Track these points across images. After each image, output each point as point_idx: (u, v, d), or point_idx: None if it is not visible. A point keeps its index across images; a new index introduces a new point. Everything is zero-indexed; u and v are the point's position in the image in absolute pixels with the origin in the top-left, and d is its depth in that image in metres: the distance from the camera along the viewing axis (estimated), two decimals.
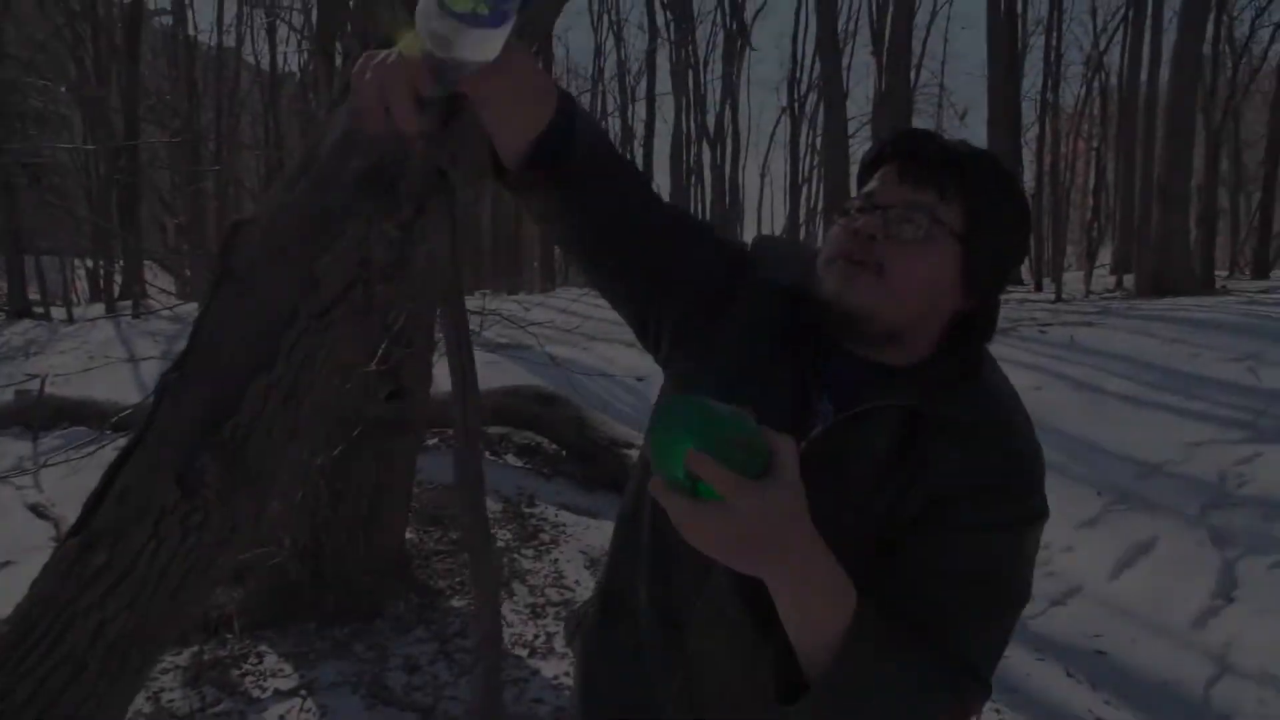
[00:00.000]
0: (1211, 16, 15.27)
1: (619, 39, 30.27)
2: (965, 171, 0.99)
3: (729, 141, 27.13)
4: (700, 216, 1.13)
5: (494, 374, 7.97)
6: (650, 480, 0.81)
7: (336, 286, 1.28)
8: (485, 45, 0.80)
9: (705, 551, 0.80)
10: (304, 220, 1.31)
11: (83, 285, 20.29)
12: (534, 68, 0.90)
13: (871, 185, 1.02)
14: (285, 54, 20.83)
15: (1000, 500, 0.96)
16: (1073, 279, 19.11)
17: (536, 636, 3.91)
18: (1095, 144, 21.64)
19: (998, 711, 3.15)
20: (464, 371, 1.13)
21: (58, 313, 15.30)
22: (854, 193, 1.05)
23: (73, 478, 4.52)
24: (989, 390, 1.02)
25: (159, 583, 1.21)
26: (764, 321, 1.05)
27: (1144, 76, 16.67)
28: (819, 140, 27.13)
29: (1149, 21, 15.92)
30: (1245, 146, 22.58)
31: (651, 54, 26.69)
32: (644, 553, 1.11)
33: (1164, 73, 14.92)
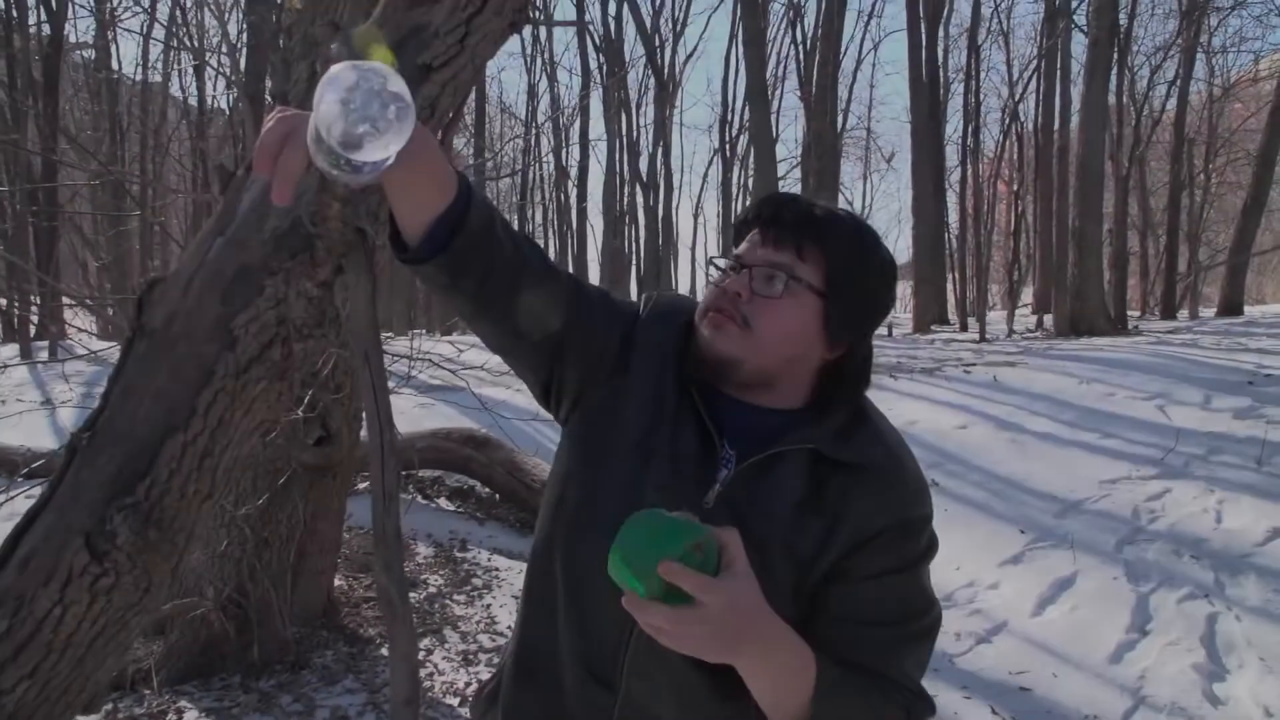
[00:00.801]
0: (1114, 71, 16.07)
1: (552, 80, 30.55)
2: (822, 232, 1.07)
3: (661, 182, 27.48)
4: (596, 285, 1.16)
5: (426, 416, 7.89)
6: (624, 599, 0.86)
7: (255, 345, 1.28)
8: (361, 179, 0.84)
9: (686, 652, 0.87)
10: (222, 278, 1.31)
11: None
12: (436, 162, 0.95)
13: (740, 248, 1.11)
14: (214, 97, 20.46)
15: (905, 538, 1.07)
16: (997, 318, 19.71)
17: (468, 684, 3.85)
18: (1015, 187, 22.47)
19: None
20: (382, 432, 1.14)
21: None
22: (720, 250, 1.16)
23: None
24: (880, 434, 1.11)
25: (65, 650, 1.18)
26: (661, 375, 1.11)
27: (1056, 125, 17.42)
28: (751, 181, 27.69)
29: (1059, 73, 16.69)
30: (1150, 192, 23.69)
31: (585, 97, 26.98)
32: (561, 608, 1.11)
33: (1075, 121, 15.65)
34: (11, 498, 4.03)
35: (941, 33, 22.60)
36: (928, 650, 1.10)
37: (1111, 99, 16.45)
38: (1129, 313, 17.52)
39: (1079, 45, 17.56)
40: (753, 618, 0.89)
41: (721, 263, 1.12)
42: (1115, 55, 15.91)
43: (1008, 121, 22.38)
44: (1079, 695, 3.55)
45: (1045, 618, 4.21)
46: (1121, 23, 16.27)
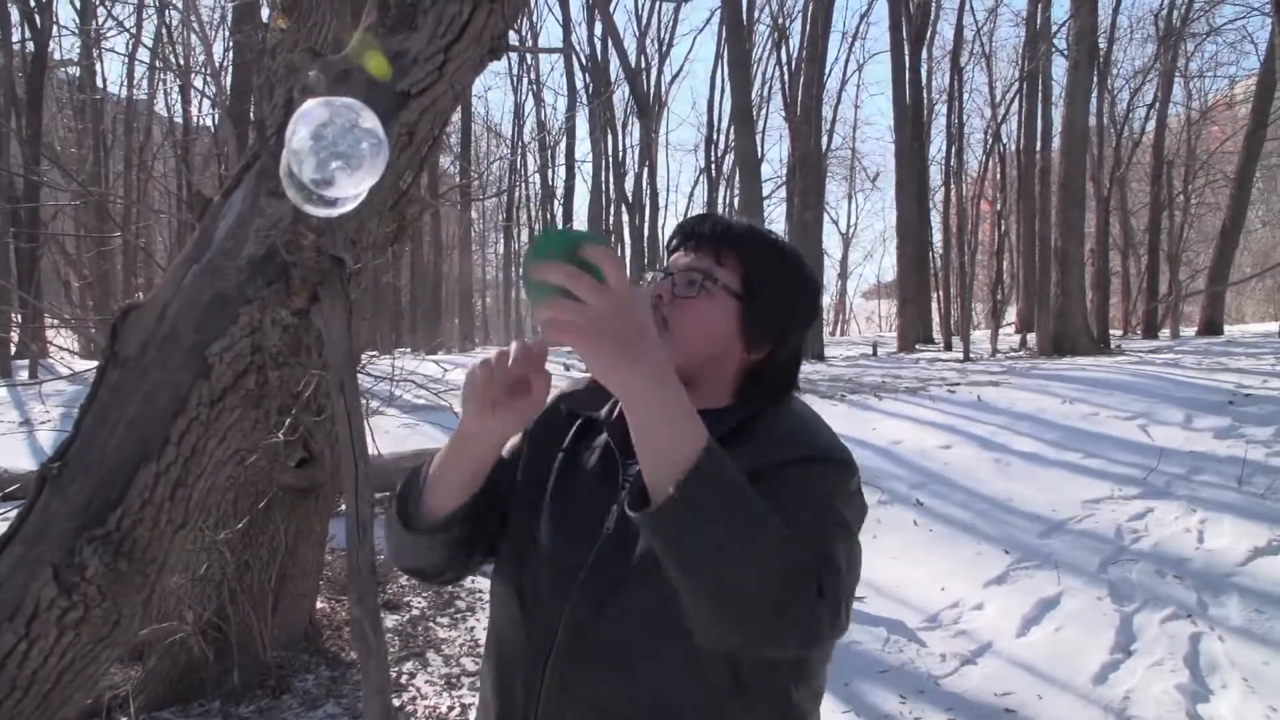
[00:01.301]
0: (1094, 94, 16.27)
1: (539, 100, 30.67)
2: (741, 241, 1.17)
3: (647, 201, 27.57)
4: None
5: (411, 436, 7.85)
6: (534, 311, 0.88)
7: (229, 373, 1.26)
8: (333, 212, 0.84)
9: (576, 346, 0.86)
10: (197, 305, 1.30)
11: None
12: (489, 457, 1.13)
13: (668, 259, 1.21)
14: (199, 116, 20.39)
15: (814, 465, 1.06)
16: (981, 338, 19.82)
17: (451, 709, 3.81)
18: (999, 207, 22.67)
19: None
20: (356, 463, 1.13)
21: None
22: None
23: None
24: (792, 411, 1.17)
25: (30, 686, 1.16)
26: (545, 450, 1.22)
27: (1039, 146, 17.60)
28: (737, 201, 27.82)
29: (1040, 95, 16.88)
30: (1131, 213, 23.94)
31: (571, 117, 27.11)
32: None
33: (1056, 143, 15.82)
34: None
35: (925, 54, 22.85)
36: (844, 556, 0.99)
37: (1092, 121, 16.65)
38: (1111, 332, 17.65)
39: (1059, 68, 17.81)
40: (641, 335, 0.88)
41: (649, 276, 1.20)
42: (1095, 78, 16.11)
43: (990, 142, 22.60)
44: (1064, 716, 3.55)
45: (1030, 638, 4.21)
46: (1101, 47, 16.48)
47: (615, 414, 1.15)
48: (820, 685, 1.15)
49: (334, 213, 0.84)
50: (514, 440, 1.25)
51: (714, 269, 1.15)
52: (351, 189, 0.79)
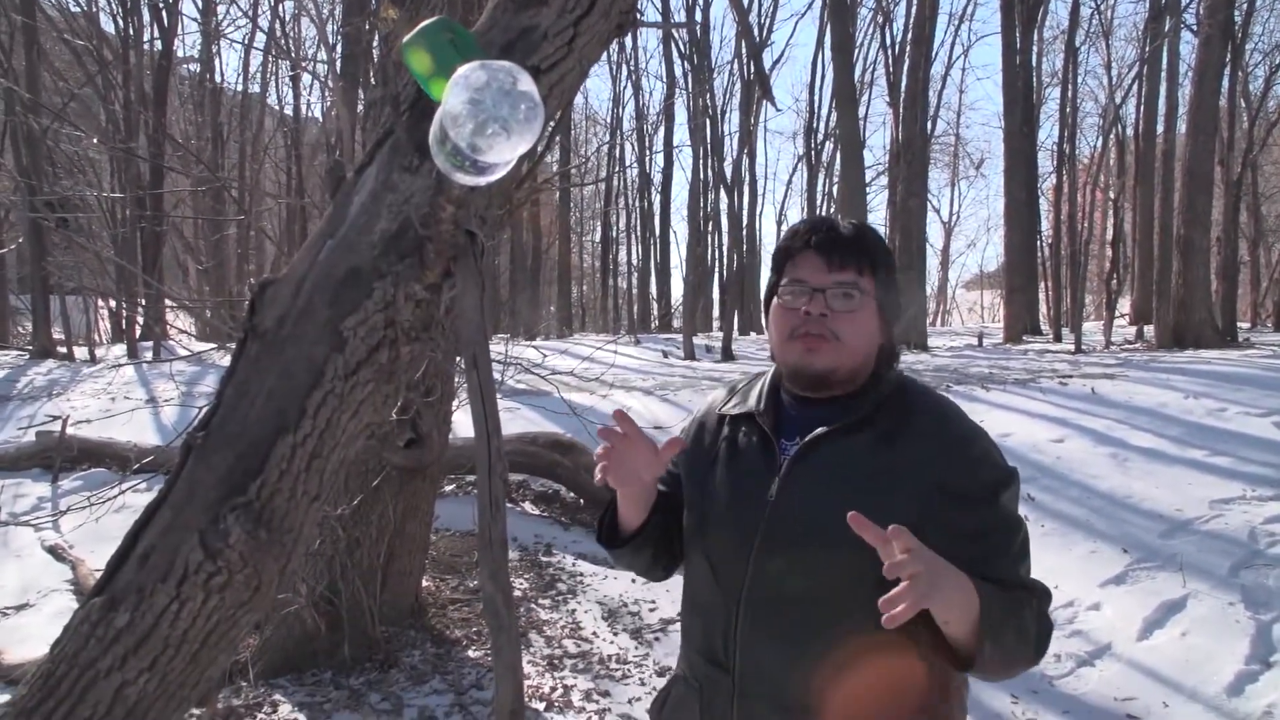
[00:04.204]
0: (1226, 71, 15.32)
1: (637, 88, 30.67)
2: (866, 247, 1.36)
3: (746, 189, 27.32)
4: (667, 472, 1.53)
5: (512, 420, 7.96)
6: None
7: (363, 347, 1.28)
8: (483, 179, 0.83)
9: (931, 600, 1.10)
10: (332, 280, 1.32)
11: (106, 326, 20.51)
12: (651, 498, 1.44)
13: (799, 272, 1.36)
14: (309, 103, 21.11)
15: (980, 468, 1.30)
16: (1092, 329, 19.00)
17: (554, 689, 3.85)
18: (1113, 195, 21.62)
19: None
20: (490, 438, 1.12)
21: (80, 353, 15.45)
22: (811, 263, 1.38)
23: (91, 521, 4.52)
24: (922, 391, 1.40)
25: (180, 645, 1.20)
26: (714, 441, 1.46)
27: (1160, 129, 16.69)
28: (836, 188, 27.31)
29: (1164, 75, 15.98)
30: (1264, 199, 22.53)
31: (670, 104, 27.01)
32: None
33: (1180, 125, 14.96)
34: (123, 491, 4.20)
35: (1035, 36, 21.94)
36: (1028, 555, 1.32)
37: (1223, 101, 15.70)
38: (1239, 324, 16.67)
39: (1185, 44, 16.85)
40: (947, 566, 1.12)
41: (794, 288, 1.36)
42: (1229, 54, 15.15)
43: (1108, 126, 21.55)
44: None
45: (1153, 642, 4.01)
46: (1236, 20, 15.45)
47: (762, 406, 1.41)
48: None
49: (483, 180, 0.82)
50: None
51: (858, 280, 1.33)
52: (507, 154, 0.78)
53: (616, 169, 29.93)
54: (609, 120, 32.48)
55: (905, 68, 19.96)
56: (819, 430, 1.33)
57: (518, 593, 4.96)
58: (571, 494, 6.50)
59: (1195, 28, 14.79)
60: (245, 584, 1.22)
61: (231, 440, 1.28)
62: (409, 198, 1.31)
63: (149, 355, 13.86)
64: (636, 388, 10.21)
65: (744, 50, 22.98)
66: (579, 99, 31.67)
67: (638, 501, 1.41)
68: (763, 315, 1.47)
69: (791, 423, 1.38)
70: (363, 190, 1.37)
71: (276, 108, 23.77)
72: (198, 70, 21.83)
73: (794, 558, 1.28)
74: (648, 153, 30.02)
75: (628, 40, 27.05)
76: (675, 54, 26.43)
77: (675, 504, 1.47)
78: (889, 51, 24.15)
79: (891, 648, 1.24)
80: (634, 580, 5.09)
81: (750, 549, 1.31)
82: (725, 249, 26.12)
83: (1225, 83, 15.68)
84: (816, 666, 1.27)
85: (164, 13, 18.08)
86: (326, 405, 1.29)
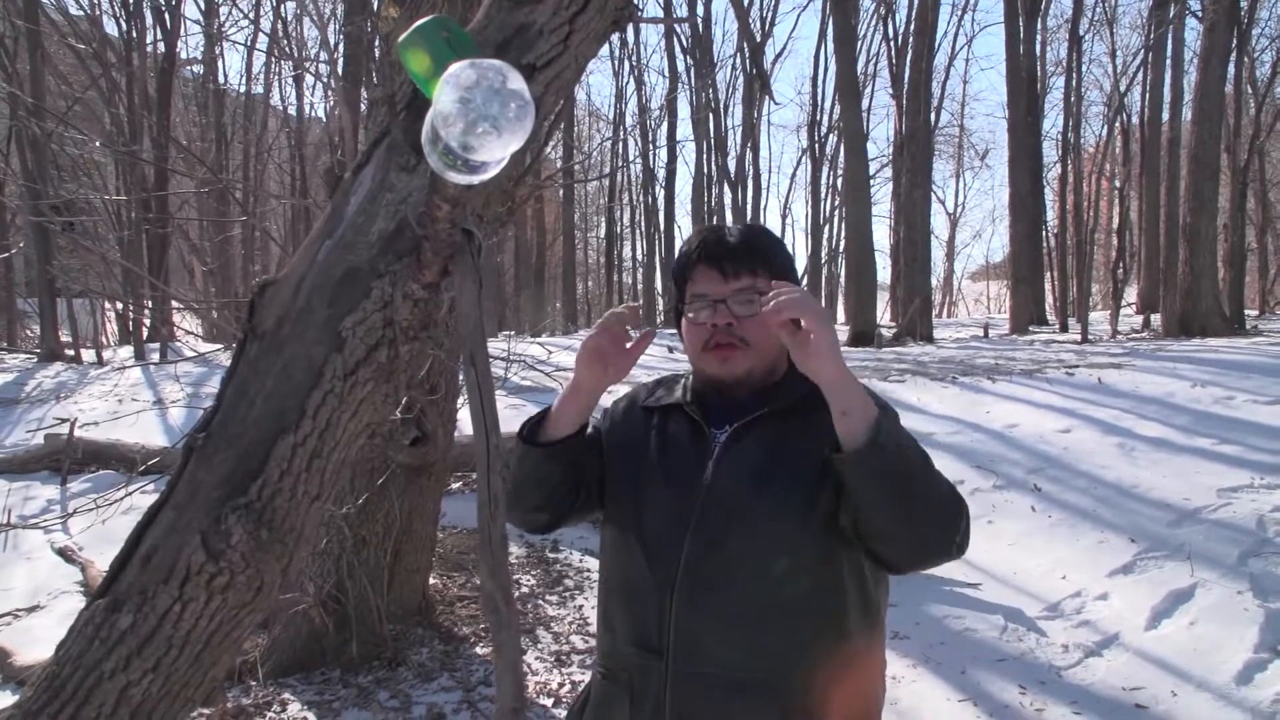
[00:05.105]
0: (1232, 57, 15.23)
1: (640, 83, 30.63)
2: (756, 249, 1.42)
3: (749, 183, 27.28)
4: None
5: (517, 417, 7.95)
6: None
7: (362, 347, 1.28)
8: (475, 177, 0.83)
9: (817, 319, 1.23)
10: (330, 280, 1.32)
11: (113, 328, 20.60)
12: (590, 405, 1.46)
13: (698, 287, 1.43)
14: (312, 103, 21.17)
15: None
16: (1098, 319, 18.95)
17: (561, 685, 3.86)
18: (1118, 183, 21.53)
19: None
20: (488, 436, 1.12)
21: (88, 355, 15.52)
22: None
23: (100, 523, 4.54)
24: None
25: (184, 645, 1.20)
26: (633, 432, 1.51)
27: (1165, 116, 16.61)
28: (840, 181, 27.24)
29: (1169, 62, 15.91)
30: (1270, 185, 22.42)
31: (672, 98, 26.97)
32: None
33: (1186, 112, 14.89)
34: (130, 493, 4.22)
35: (1039, 25, 21.85)
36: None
37: (1229, 86, 15.60)
38: (1246, 312, 16.60)
39: (1190, 30, 16.76)
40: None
41: (697, 304, 1.42)
42: (1235, 39, 15.06)
43: (1113, 114, 21.46)
44: (1202, 716, 3.36)
45: (1161, 631, 4.00)
46: (1242, 4, 15.33)
47: (689, 398, 1.47)
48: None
49: (475, 179, 0.82)
50: (594, 421, 1.54)
51: (755, 283, 1.39)
52: (498, 152, 0.78)
53: (620, 165, 29.90)
54: (612, 116, 32.46)
55: (908, 59, 19.94)
56: (752, 415, 1.39)
57: (525, 589, 4.97)
58: None
59: (1200, 14, 14.71)
60: (247, 584, 1.23)
61: (232, 441, 1.28)
62: (406, 197, 1.32)
63: (156, 357, 13.92)
64: (641, 382, 10.20)
65: (745, 45, 22.95)
66: (581, 95, 31.64)
67: (579, 410, 1.43)
68: (676, 331, 1.53)
69: (718, 410, 1.43)
70: (360, 190, 1.37)
71: (280, 109, 23.83)
72: (201, 72, 21.88)
73: (730, 531, 1.33)
74: (651, 148, 29.99)
75: (629, 35, 27.02)
76: (677, 48, 26.42)
77: (595, 448, 1.50)
78: (892, 43, 24.11)
79: (825, 615, 1.32)
80: None
81: (686, 529, 1.35)
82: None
83: (1231, 69, 15.56)
84: (752, 638, 1.31)
85: (166, 15, 18.13)
86: (326, 405, 1.29)
